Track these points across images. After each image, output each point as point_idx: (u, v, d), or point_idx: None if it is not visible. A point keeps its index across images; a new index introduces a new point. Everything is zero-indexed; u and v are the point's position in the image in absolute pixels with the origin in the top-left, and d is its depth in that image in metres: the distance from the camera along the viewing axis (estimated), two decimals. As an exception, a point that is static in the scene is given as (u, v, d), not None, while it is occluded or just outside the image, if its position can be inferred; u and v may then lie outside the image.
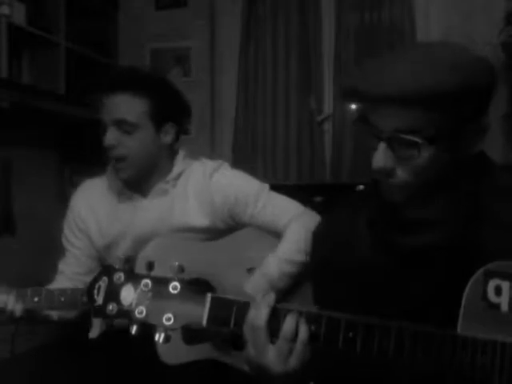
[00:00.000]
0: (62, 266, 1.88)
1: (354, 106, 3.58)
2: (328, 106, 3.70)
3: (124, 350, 1.70)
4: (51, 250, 2.15)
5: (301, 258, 1.73)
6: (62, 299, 1.64)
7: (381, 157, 1.06)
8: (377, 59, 1.11)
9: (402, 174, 1.07)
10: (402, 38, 3.42)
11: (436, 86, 0.98)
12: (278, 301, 1.68)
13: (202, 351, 1.67)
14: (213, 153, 3.69)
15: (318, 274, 1.31)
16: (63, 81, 3.34)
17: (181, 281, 1.02)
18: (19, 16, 2.99)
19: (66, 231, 1.90)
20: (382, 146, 1.06)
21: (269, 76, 3.77)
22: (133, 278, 1.01)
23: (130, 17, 3.98)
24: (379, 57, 1.12)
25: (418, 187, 1.09)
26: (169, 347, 1.61)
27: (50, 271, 1.90)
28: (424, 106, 1.00)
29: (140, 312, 0.99)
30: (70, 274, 1.85)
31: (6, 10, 2.85)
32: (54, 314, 1.72)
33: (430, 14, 3.40)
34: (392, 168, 1.07)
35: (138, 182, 1.81)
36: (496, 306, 1.01)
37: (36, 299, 1.62)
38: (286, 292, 1.76)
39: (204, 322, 1.02)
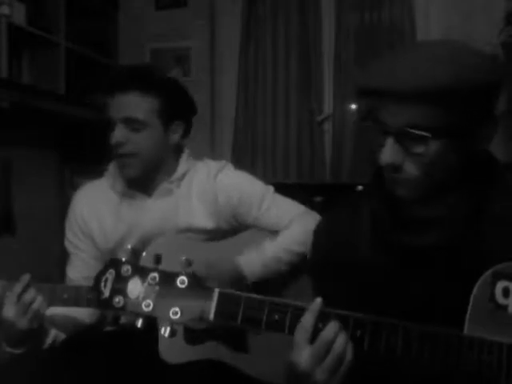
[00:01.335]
0: (70, 273, 1.85)
1: (354, 106, 3.60)
2: (328, 106, 3.70)
3: (124, 349, 1.70)
4: (51, 250, 2.17)
5: (298, 249, 1.74)
6: (65, 296, 1.61)
7: (389, 152, 1.06)
8: (387, 56, 1.11)
9: (409, 169, 1.07)
10: (402, 37, 3.43)
11: (447, 82, 0.98)
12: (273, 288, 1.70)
13: (203, 351, 1.66)
14: (213, 153, 3.70)
15: (318, 273, 1.31)
16: (63, 81, 3.35)
17: (188, 275, 1.01)
18: (19, 16, 2.99)
19: (69, 235, 1.87)
20: (390, 140, 1.06)
21: (269, 76, 3.77)
22: (140, 271, 1.01)
23: (130, 17, 3.98)
24: (390, 54, 1.11)
25: (424, 184, 1.09)
26: (170, 346, 1.61)
27: (50, 271, 1.89)
28: (434, 102, 1.00)
29: (147, 305, 0.99)
30: (80, 279, 1.81)
31: (5, 9, 2.85)
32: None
33: (430, 14, 3.41)
34: (400, 163, 1.07)
35: (143, 180, 1.80)
36: (503, 308, 1.01)
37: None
38: (283, 283, 1.78)
39: (211, 317, 1.02)
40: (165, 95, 1.74)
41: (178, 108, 1.79)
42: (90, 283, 1.75)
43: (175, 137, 1.80)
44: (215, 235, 1.82)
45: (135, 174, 1.76)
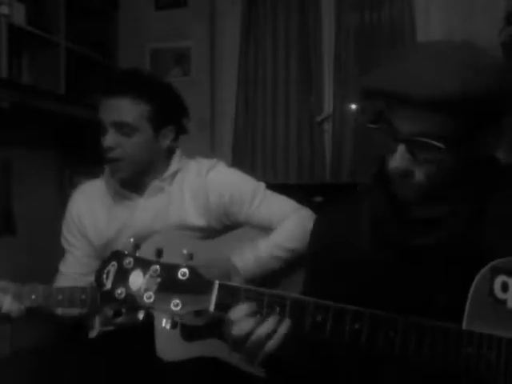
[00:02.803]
0: (63, 267, 1.89)
1: (354, 106, 3.59)
2: (328, 106, 3.70)
3: (123, 349, 1.71)
4: (51, 250, 2.17)
5: (292, 245, 1.74)
6: (60, 297, 1.63)
7: (399, 158, 1.06)
8: (400, 56, 1.10)
9: (419, 176, 1.07)
10: (402, 38, 3.43)
11: (465, 93, 0.98)
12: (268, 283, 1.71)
13: (200, 348, 1.66)
14: (213, 153, 3.70)
15: (317, 272, 1.31)
16: (63, 81, 3.34)
17: (189, 267, 1.02)
18: (19, 16, 2.99)
19: (65, 232, 1.91)
20: (401, 148, 1.06)
21: (269, 76, 3.77)
22: (142, 263, 1.01)
23: (130, 17, 3.98)
24: (401, 52, 1.12)
25: (430, 187, 1.09)
26: (167, 344, 1.61)
27: (51, 271, 1.90)
28: (448, 111, 1.00)
29: (148, 297, 0.99)
30: (72, 274, 1.86)
31: (5, 9, 2.85)
32: (59, 310, 1.72)
33: (430, 14, 3.42)
34: (410, 170, 1.07)
35: (134, 180, 1.82)
36: (502, 302, 1.01)
37: (33, 296, 1.61)
38: (281, 278, 1.79)
39: (212, 309, 1.02)
40: (156, 101, 1.75)
41: (169, 113, 1.81)
42: (80, 279, 1.81)
43: (166, 141, 1.82)
44: (208, 234, 1.83)
45: (125, 176, 1.79)
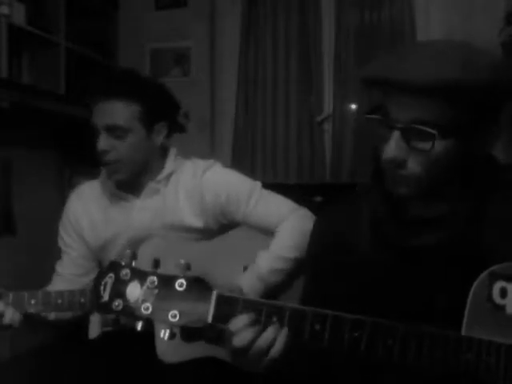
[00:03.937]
0: (59, 267, 1.89)
1: (354, 106, 3.59)
2: (328, 106, 3.70)
3: (124, 350, 1.71)
4: (51, 250, 2.18)
5: (292, 254, 1.72)
6: (59, 301, 1.64)
7: (394, 146, 1.05)
8: (400, 49, 1.11)
9: (412, 166, 1.06)
10: (402, 38, 3.43)
11: (460, 79, 0.98)
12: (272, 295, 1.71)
13: (200, 349, 1.66)
14: (213, 153, 3.70)
15: (317, 272, 1.30)
16: (63, 81, 3.35)
17: (187, 278, 1.02)
18: (19, 16, 2.99)
19: (62, 233, 1.91)
20: (395, 135, 1.05)
21: (269, 76, 3.77)
22: (139, 274, 1.01)
23: (130, 17, 3.98)
24: (402, 48, 1.12)
25: (425, 182, 1.08)
26: (167, 345, 1.61)
27: (50, 271, 1.91)
28: (445, 98, 1.00)
29: (146, 308, 0.99)
30: (67, 275, 1.86)
31: (5, 9, 2.85)
32: (51, 315, 1.72)
33: (430, 14, 3.41)
34: (403, 159, 1.06)
35: (130, 182, 1.82)
36: (501, 308, 1.01)
37: (33, 302, 1.62)
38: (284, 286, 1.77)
39: (209, 319, 1.02)
40: (146, 100, 1.75)
41: (159, 110, 1.81)
42: (75, 280, 1.82)
43: (160, 138, 1.82)
44: (205, 235, 1.83)
45: (123, 178, 1.79)
